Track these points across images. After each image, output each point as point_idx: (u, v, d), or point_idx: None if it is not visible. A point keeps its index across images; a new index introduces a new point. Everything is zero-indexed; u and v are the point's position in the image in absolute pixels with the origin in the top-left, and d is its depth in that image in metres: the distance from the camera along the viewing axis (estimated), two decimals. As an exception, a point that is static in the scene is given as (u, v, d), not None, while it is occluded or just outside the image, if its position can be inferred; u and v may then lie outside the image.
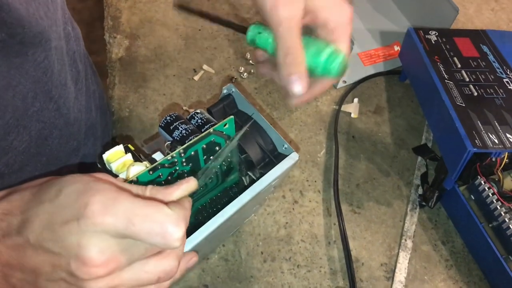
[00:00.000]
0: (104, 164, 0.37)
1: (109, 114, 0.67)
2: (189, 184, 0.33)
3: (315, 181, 0.66)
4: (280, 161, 0.43)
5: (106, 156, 0.37)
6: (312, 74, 0.40)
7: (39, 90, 0.43)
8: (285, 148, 0.45)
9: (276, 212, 0.62)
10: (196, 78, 0.75)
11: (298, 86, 0.38)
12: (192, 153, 0.38)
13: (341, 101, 0.74)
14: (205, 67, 0.76)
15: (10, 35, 0.37)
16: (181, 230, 0.29)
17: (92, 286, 0.28)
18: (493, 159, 0.58)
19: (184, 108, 0.71)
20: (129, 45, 0.78)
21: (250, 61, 0.78)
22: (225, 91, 0.48)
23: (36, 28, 0.39)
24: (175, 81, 0.74)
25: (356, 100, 0.75)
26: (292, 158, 0.43)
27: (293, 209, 0.63)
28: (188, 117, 0.44)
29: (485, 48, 0.68)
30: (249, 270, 0.58)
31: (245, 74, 0.76)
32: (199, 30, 0.81)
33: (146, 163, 0.37)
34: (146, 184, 0.36)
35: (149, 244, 0.29)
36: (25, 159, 0.45)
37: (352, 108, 0.73)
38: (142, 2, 0.83)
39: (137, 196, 0.30)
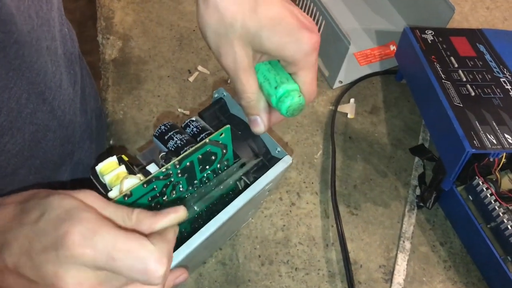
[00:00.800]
0: (97, 176, 0.36)
1: (104, 117, 0.66)
2: (178, 215, 0.32)
3: (312, 183, 0.65)
4: (274, 164, 0.42)
5: (99, 168, 0.36)
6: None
7: (32, 92, 0.42)
8: (278, 151, 0.44)
9: (273, 215, 0.62)
10: (191, 79, 0.74)
11: (255, 127, 0.40)
12: (188, 164, 0.37)
13: (337, 101, 0.73)
14: (200, 68, 0.75)
15: (6, 33, 0.36)
16: (163, 267, 0.28)
17: None
18: (491, 159, 0.57)
19: (179, 110, 0.70)
20: (123, 46, 0.77)
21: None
22: (216, 95, 0.47)
23: (25, 26, 0.38)
24: (169, 82, 0.73)
25: (352, 100, 0.74)
26: (285, 161, 0.42)
27: (290, 211, 0.62)
28: (183, 125, 0.43)
29: (481, 48, 0.68)
30: (246, 273, 0.57)
31: (240, 74, 0.75)
32: (194, 30, 0.80)
33: (140, 175, 0.36)
34: (140, 197, 0.36)
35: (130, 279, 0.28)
36: (18, 162, 0.44)
37: (348, 108, 0.73)
38: (135, 3, 0.82)
39: (120, 227, 0.29)
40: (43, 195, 0.29)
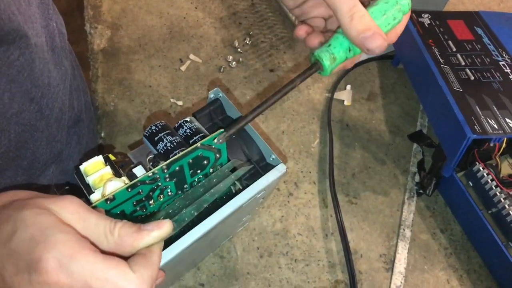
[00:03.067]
0: (82, 175, 0.34)
1: (94, 110, 0.64)
2: (161, 231, 0.29)
3: (310, 172, 0.64)
4: (267, 171, 0.40)
5: (83, 167, 0.34)
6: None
7: (16, 90, 0.40)
8: (273, 158, 0.42)
9: (271, 206, 0.61)
10: (183, 68, 0.72)
11: (377, 41, 0.32)
12: (177, 168, 0.36)
13: (334, 88, 0.72)
14: (191, 56, 0.73)
15: None
16: None
17: None
18: (492, 145, 0.56)
19: (172, 100, 0.68)
20: (111, 35, 0.74)
21: (239, 49, 0.75)
22: (212, 95, 0.44)
23: (9, 25, 0.36)
24: (161, 72, 0.71)
25: (348, 87, 0.73)
26: (279, 170, 0.40)
27: (288, 201, 0.61)
28: (176, 125, 0.41)
29: (479, 30, 0.67)
30: (245, 266, 0.56)
31: (233, 63, 0.73)
32: (184, 18, 0.77)
33: (124, 178, 0.34)
34: (124, 201, 0.34)
35: None
36: (4, 164, 0.42)
37: (345, 95, 0.72)
38: (123, -10, 0.80)
39: (102, 244, 0.28)
40: (17, 206, 0.27)
